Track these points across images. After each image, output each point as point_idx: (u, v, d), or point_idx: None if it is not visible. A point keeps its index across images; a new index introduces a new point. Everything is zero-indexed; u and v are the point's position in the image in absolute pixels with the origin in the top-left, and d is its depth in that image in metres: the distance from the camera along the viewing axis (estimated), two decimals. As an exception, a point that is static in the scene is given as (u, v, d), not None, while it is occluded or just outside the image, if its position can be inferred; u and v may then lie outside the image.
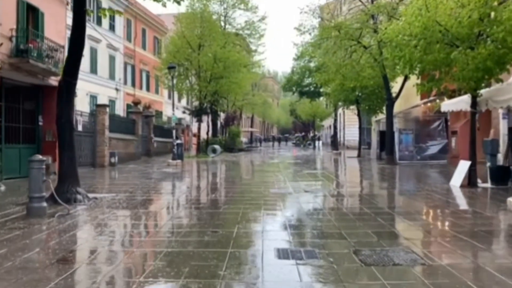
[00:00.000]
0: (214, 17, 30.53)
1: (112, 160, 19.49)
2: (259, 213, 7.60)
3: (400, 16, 12.04)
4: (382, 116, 25.50)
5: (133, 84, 36.77)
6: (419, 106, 21.89)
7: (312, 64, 34.14)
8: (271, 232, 6.10)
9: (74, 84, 9.16)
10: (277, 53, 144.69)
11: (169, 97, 39.75)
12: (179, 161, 20.20)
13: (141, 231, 6.50)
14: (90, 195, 9.50)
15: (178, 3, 10.68)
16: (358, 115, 26.95)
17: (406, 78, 18.54)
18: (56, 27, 14.65)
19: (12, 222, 6.82)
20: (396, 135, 19.60)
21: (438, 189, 10.74)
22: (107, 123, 19.06)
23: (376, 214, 7.36)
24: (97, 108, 19.02)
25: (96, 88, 30.77)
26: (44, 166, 7.53)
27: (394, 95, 20.56)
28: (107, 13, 9.81)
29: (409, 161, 19.54)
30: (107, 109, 19.32)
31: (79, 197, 8.90)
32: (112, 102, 33.28)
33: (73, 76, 9.05)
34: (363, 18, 17.40)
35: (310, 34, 19.18)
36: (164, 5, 10.73)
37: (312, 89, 35.48)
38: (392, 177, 15.01)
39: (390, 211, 7.92)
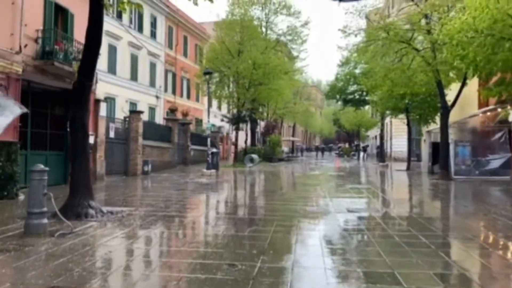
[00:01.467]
0: (255, 22, 29.59)
1: (146, 168, 18.81)
2: (290, 239, 6.32)
3: (462, 9, 10.39)
4: (434, 126, 23.47)
5: (174, 92, 36.50)
6: (476, 116, 19.76)
7: (357, 71, 32.40)
8: (302, 269, 4.81)
9: (90, 86, 8.30)
10: (321, 62, 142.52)
11: (210, 105, 39.29)
12: (213, 171, 19.23)
13: (143, 262, 5.38)
14: (106, 209, 8.58)
15: (211, 1, 9.72)
16: (408, 124, 24.99)
17: (463, 85, 16.64)
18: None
19: (4, 241, 5.92)
20: (452, 147, 17.63)
21: (509, 212, 8.99)
22: (141, 130, 18.42)
23: (437, 245, 5.88)
24: (130, 115, 18.43)
25: (136, 95, 30.62)
26: (46, 177, 6.62)
27: (449, 103, 18.66)
28: (127, 7, 8.91)
29: (466, 176, 17.49)
30: (141, 116, 18.68)
31: (91, 211, 7.97)
32: (152, 109, 33.07)
33: (88, 77, 8.20)
34: (415, 18, 15.73)
35: (356, 36, 17.76)
36: (195, 3, 9.79)
37: (357, 96, 33.67)
38: (449, 196, 13.22)
39: (454, 242, 6.39)
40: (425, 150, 31.98)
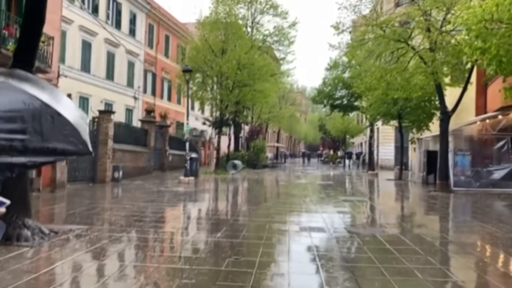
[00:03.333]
0: (240, 22, 28.03)
1: (116, 175, 16.97)
2: (276, 279, 4.70)
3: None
4: (428, 133, 22.20)
5: (154, 93, 34.63)
6: (475, 123, 18.51)
7: (346, 75, 31.07)
8: None
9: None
10: (306, 68, 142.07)
11: (192, 108, 37.48)
12: (192, 178, 17.48)
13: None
14: (50, 228, 6.85)
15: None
16: (400, 131, 23.66)
17: (465, 88, 15.34)
18: (48, 16, 12.28)
19: None
20: (451, 156, 16.28)
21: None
22: (111, 132, 16.59)
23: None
24: (100, 115, 16.58)
25: (112, 96, 28.69)
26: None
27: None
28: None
29: (466, 188, 16.14)
30: (112, 116, 16.84)
31: (25, 233, 6.23)
32: (129, 111, 31.16)
33: (27, 63, 6.45)
34: (414, 14, 14.36)
35: (350, 33, 16.31)
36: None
37: (345, 102, 32.29)
38: (459, 213, 11.81)
39: (486, 279, 4.85)
40: (416, 159, 30.86)
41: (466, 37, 8.50)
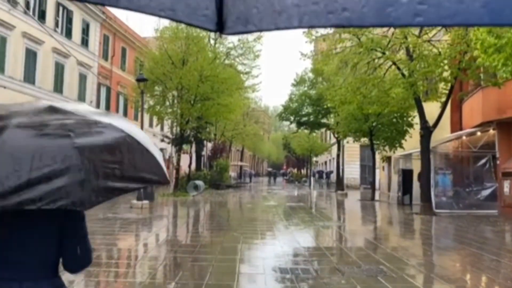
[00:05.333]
0: (202, 33, 26.29)
1: (57, 199, 14.52)
2: None
3: None
4: (400, 151, 21.11)
5: (108, 108, 32.08)
6: (453, 140, 17.55)
7: (312, 92, 29.90)
8: None
9: None
10: (268, 88, 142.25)
11: (150, 125, 35.09)
12: (146, 202, 15.29)
13: None
14: None
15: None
16: (372, 149, 22.48)
17: (447, 101, 14.22)
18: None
19: None
20: (431, 175, 15.03)
21: None
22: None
23: None
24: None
25: (60, 110, 26.01)
26: None
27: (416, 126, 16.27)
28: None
29: (449, 210, 14.91)
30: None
31: None
32: (80, 127, 28.51)
33: None
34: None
35: (324, 40, 14.92)
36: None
37: (312, 119, 31.06)
38: (451, 238, 10.38)
39: None
40: (384, 178, 29.89)
41: (478, 33, 7.16)
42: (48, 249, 1.56)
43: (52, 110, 1.48)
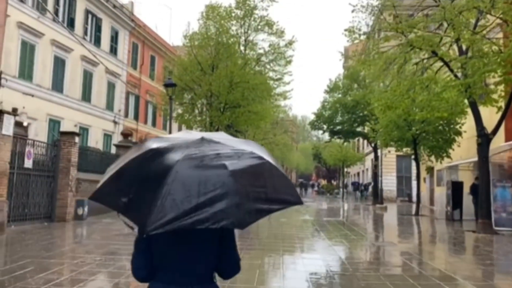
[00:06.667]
0: (232, 39, 25.30)
1: (80, 211, 13.73)
2: None
3: None
4: (448, 161, 19.38)
5: (136, 117, 31.63)
6: (506, 151, 15.77)
7: (348, 98, 28.39)
8: None
9: None
10: (297, 97, 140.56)
11: (178, 128, 34.33)
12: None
13: None
14: None
15: None
16: (416, 159, 20.78)
17: (509, 105, 12.57)
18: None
19: None
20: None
21: None
22: (74, 158, 13.43)
23: None
24: (60, 137, 13.45)
25: (88, 119, 25.59)
26: None
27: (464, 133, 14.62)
28: None
29: (510, 228, 13.18)
30: (77, 139, 13.72)
31: None
32: (108, 136, 28.03)
33: None
34: (449, 14, 11.70)
35: (368, 38, 13.57)
36: None
37: (347, 127, 29.49)
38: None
39: None
40: (425, 190, 27.87)
41: None
42: (212, 258, 1.85)
43: (205, 141, 1.75)
